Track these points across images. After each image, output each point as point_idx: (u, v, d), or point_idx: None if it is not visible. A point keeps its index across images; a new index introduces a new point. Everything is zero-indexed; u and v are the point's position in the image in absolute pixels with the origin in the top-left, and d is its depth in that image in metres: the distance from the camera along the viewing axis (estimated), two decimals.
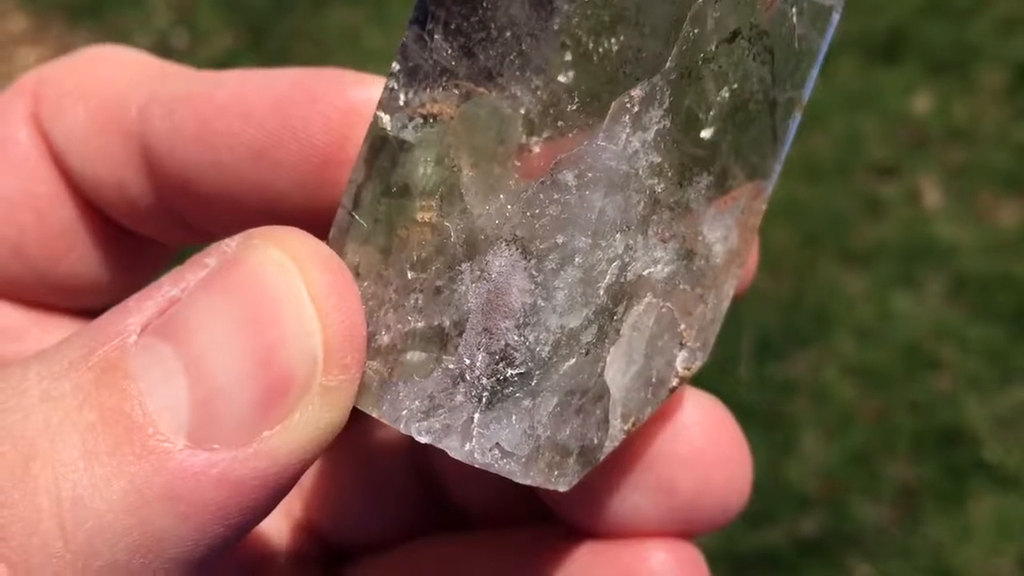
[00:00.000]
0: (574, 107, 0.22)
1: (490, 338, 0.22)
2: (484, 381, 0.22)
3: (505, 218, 0.22)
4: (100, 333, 0.22)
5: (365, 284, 0.24)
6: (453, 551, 0.32)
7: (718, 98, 0.24)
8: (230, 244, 0.22)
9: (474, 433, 0.22)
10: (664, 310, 0.24)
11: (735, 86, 0.24)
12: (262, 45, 1.58)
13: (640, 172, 0.23)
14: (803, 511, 1.05)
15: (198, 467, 0.20)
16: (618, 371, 0.23)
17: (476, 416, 0.22)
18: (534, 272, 0.22)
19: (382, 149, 0.24)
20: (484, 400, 0.22)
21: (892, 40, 1.49)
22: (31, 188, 0.29)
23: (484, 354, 0.22)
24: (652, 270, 0.24)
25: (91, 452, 0.20)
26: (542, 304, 0.22)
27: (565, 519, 0.29)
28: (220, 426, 0.21)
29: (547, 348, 0.22)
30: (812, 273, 1.24)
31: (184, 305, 0.21)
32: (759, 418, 1.11)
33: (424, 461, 0.32)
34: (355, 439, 0.33)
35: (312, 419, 0.21)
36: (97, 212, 0.30)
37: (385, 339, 0.23)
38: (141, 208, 0.29)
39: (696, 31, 0.23)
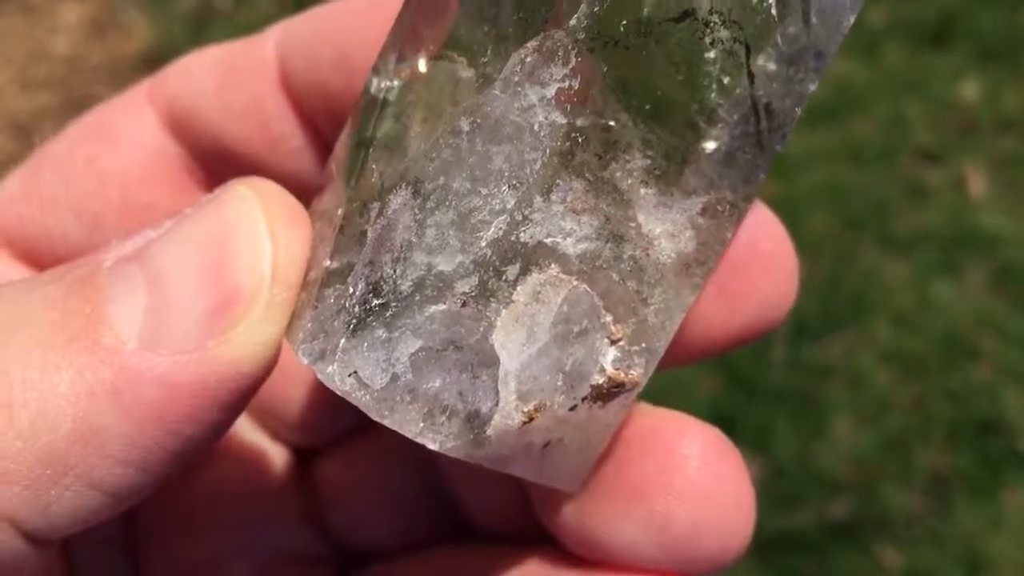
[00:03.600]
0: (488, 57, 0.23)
1: (371, 270, 0.23)
2: (356, 309, 0.23)
3: (414, 162, 0.23)
4: (80, 262, 0.24)
5: (318, 225, 0.25)
6: (462, 562, 0.32)
7: (692, 81, 0.22)
8: (210, 195, 0.24)
9: (337, 357, 0.23)
10: (581, 291, 0.23)
11: (721, 80, 0.22)
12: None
13: (537, 128, 0.23)
14: (833, 495, 1.05)
15: (143, 367, 0.22)
16: (513, 341, 0.23)
17: (342, 342, 0.23)
18: (417, 211, 0.23)
19: (365, 108, 0.25)
20: (352, 327, 0.23)
21: (942, 26, 1.47)
22: (123, 167, 0.31)
23: (363, 284, 0.23)
24: (558, 240, 0.23)
25: (47, 343, 0.22)
26: (414, 240, 0.23)
27: (563, 544, 0.28)
28: (170, 333, 0.22)
29: (408, 283, 0.23)
30: (852, 258, 1.23)
31: (157, 237, 0.24)
32: (791, 401, 1.11)
33: (437, 470, 0.32)
34: (369, 445, 0.34)
35: (254, 333, 0.23)
36: (192, 187, 0.31)
37: (313, 273, 0.24)
38: (278, 133, 0.30)
39: None
